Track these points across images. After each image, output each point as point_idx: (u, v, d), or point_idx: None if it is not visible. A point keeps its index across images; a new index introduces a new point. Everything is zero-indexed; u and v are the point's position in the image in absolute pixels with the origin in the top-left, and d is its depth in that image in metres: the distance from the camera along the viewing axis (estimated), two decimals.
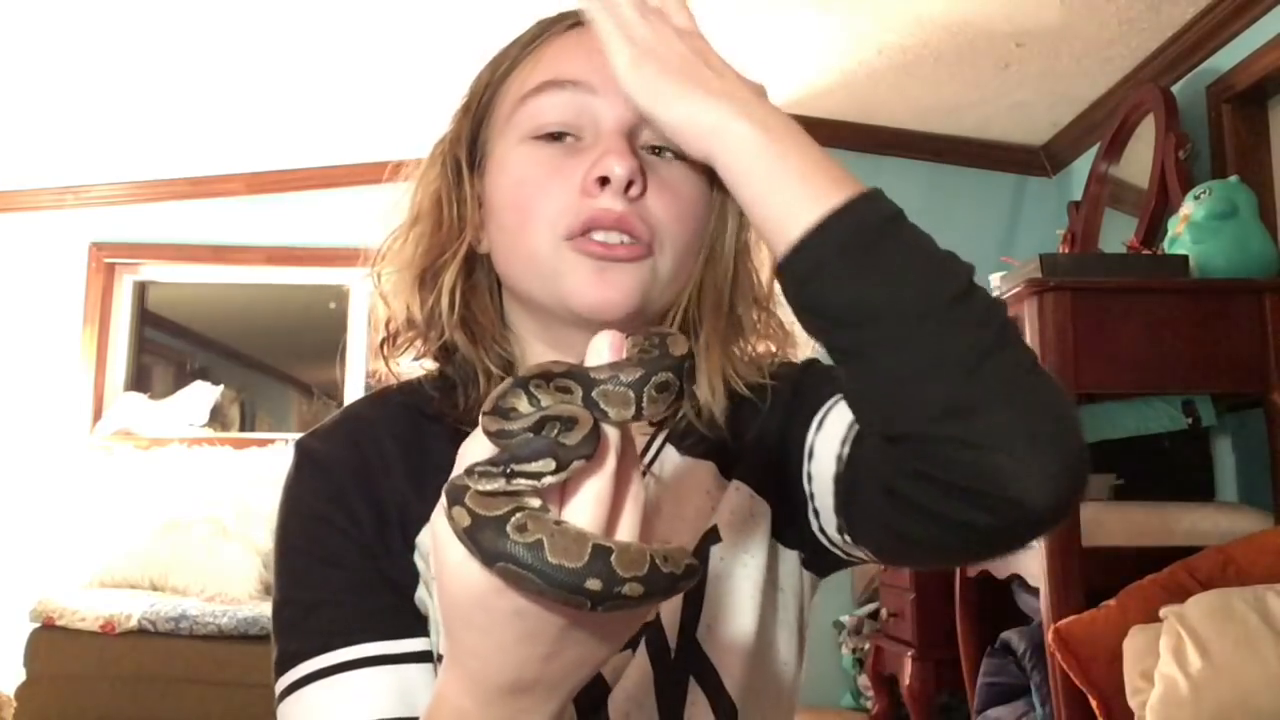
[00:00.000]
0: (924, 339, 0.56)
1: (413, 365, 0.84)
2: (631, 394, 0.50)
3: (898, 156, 3.65)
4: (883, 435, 0.60)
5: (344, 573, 0.72)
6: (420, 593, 0.73)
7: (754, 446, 0.80)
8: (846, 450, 0.69)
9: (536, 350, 0.81)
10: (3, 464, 3.74)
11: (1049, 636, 2.02)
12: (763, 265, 0.83)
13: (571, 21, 0.78)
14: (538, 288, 0.76)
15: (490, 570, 0.47)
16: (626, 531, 0.50)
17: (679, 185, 0.75)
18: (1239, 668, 1.73)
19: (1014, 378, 0.56)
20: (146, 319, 4.24)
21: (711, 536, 0.78)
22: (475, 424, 0.72)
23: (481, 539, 0.47)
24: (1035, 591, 2.25)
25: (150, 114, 3.48)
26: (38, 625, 2.93)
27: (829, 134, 3.59)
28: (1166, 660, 1.78)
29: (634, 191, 0.72)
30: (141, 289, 4.18)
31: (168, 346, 4.49)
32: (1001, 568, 2.49)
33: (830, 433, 0.72)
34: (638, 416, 0.50)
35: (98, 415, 3.88)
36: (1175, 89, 2.87)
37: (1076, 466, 0.55)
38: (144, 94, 3.33)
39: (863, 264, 0.57)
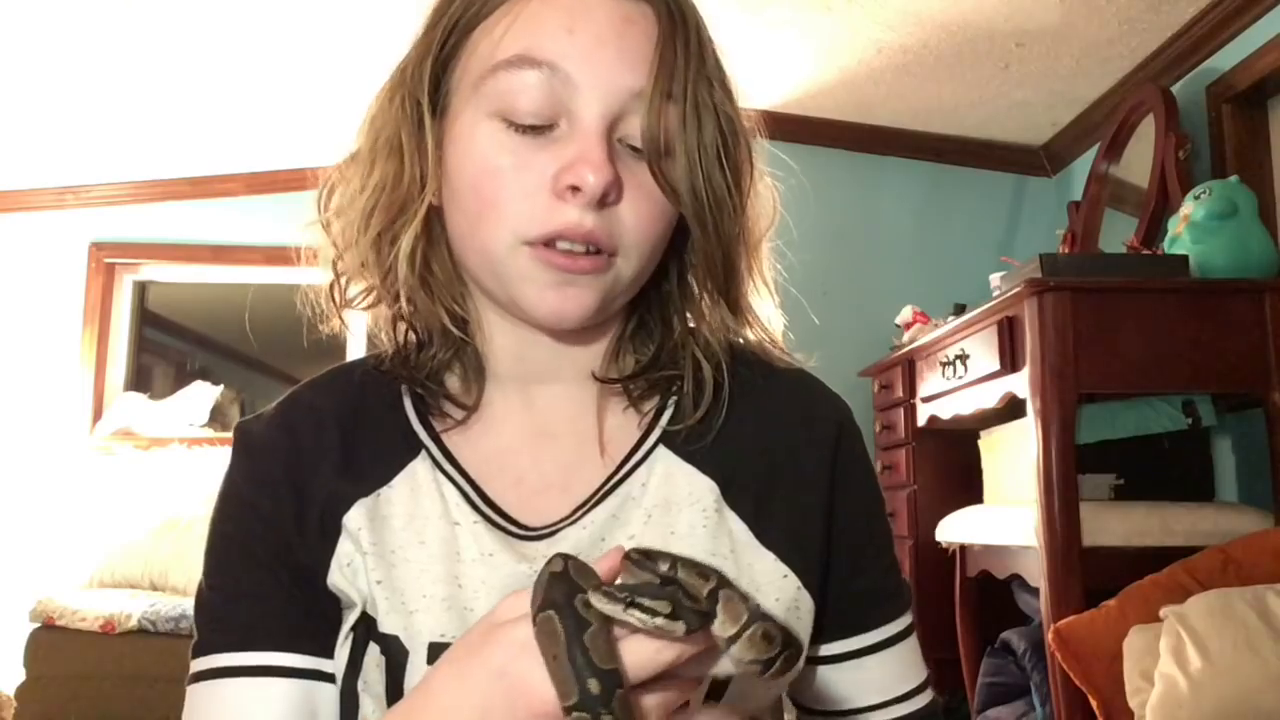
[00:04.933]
0: None
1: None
2: (746, 617, 0.52)
3: (898, 156, 3.65)
4: None
5: (267, 569, 0.70)
6: (335, 577, 0.70)
7: (778, 504, 0.75)
8: None
9: (492, 318, 0.76)
10: (3, 464, 3.74)
11: (1049, 636, 2.02)
12: (758, 217, 0.78)
13: None
14: (490, 281, 0.72)
15: (532, 612, 0.51)
16: (651, 712, 0.51)
17: (653, 187, 0.70)
18: (1239, 668, 1.73)
19: None
20: (146, 319, 4.24)
21: None
22: (430, 385, 0.76)
23: (554, 588, 0.51)
24: (1035, 591, 2.25)
25: (150, 114, 3.48)
26: (38, 625, 2.93)
27: (829, 134, 3.59)
28: (1166, 660, 1.78)
29: (608, 201, 0.68)
30: (141, 289, 4.18)
31: (168, 346, 4.49)
32: (1001, 568, 2.49)
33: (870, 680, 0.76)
34: (728, 640, 0.52)
35: (98, 415, 3.88)
36: (1175, 89, 2.87)
37: None
38: (144, 94, 3.33)
39: None
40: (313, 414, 0.75)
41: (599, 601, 0.50)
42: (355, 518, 0.71)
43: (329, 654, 0.70)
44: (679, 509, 0.73)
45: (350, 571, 0.69)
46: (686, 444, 0.75)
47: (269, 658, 0.69)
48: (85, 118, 3.49)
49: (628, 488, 0.74)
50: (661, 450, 0.75)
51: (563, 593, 0.51)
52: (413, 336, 0.77)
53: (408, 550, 0.70)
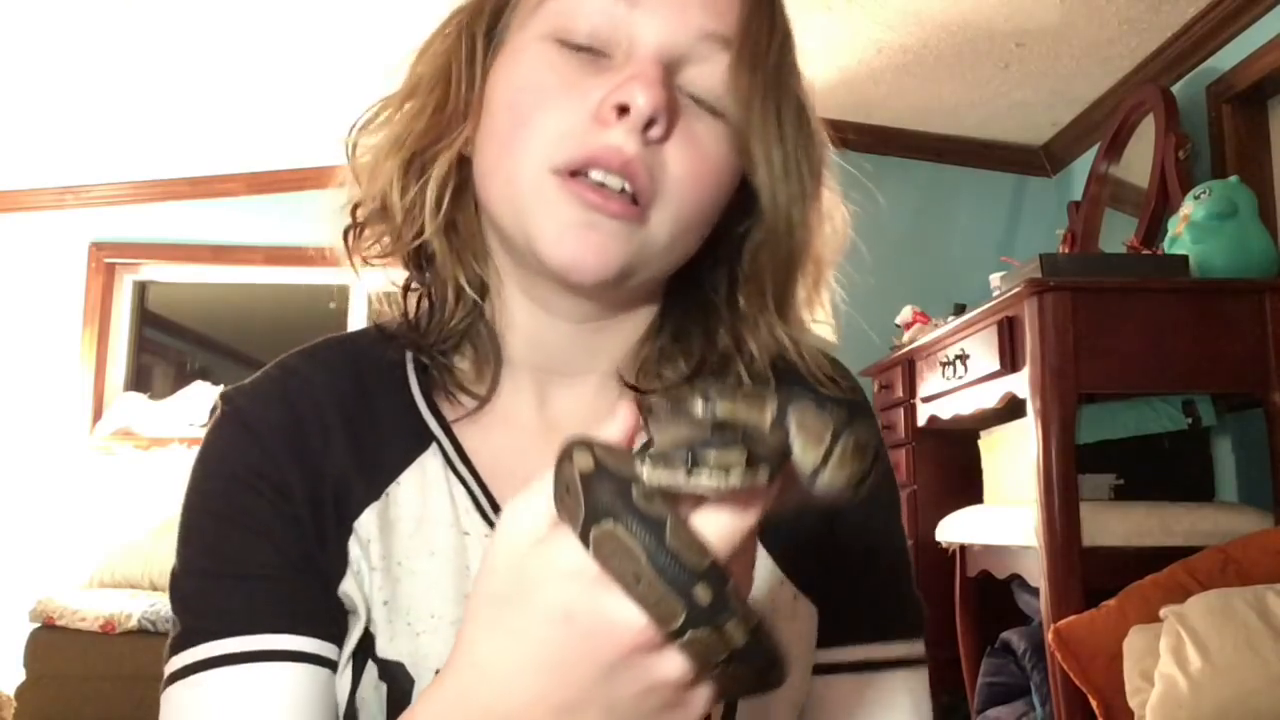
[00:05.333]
0: None
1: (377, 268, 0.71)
2: (831, 431, 0.41)
3: (898, 156, 3.65)
4: None
5: (273, 547, 0.61)
6: (348, 584, 0.62)
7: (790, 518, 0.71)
8: None
9: (511, 292, 0.68)
10: (3, 464, 3.74)
11: (1049, 636, 2.02)
12: (826, 241, 0.72)
13: None
14: (509, 219, 0.64)
15: (586, 534, 0.39)
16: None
17: (708, 143, 0.63)
18: (1239, 668, 1.73)
19: None
20: (146, 319, 4.23)
21: None
22: (440, 359, 0.67)
23: (598, 489, 0.39)
24: (1035, 591, 2.25)
25: (150, 114, 3.48)
26: (38, 625, 2.93)
27: (829, 134, 3.59)
28: (1166, 660, 1.78)
29: (655, 132, 0.60)
30: (141, 289, 4.18)
31: (168, 346, 4.49)
32: (1001, 568, 2.49)
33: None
34: (817, 467, 0.42)
35: (98, 415, 3.88)
36: (1175, 89, 2.87)
37: None
38: (144, 94, 3.33)
39: None
40: (310, 387, 0.67)
41: (653, 472, 0.38)
42: (367, 525, 0.63)
43: (342, 642, 0.61)
44: None
45: (358, 580, 0.62)
46: None
47: (280, 641, 0.59)
48: (85, 118, 3.49)
49: None
50: None
51: (614, 492, 0.39)
52: (425, 305, 0.69)
53: (415, 560, 0.63)
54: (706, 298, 0.71)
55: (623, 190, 0.60)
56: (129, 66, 3.15)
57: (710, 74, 0.63)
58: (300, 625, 0.59)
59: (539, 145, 0.61)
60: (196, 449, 0.66)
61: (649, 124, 0.59)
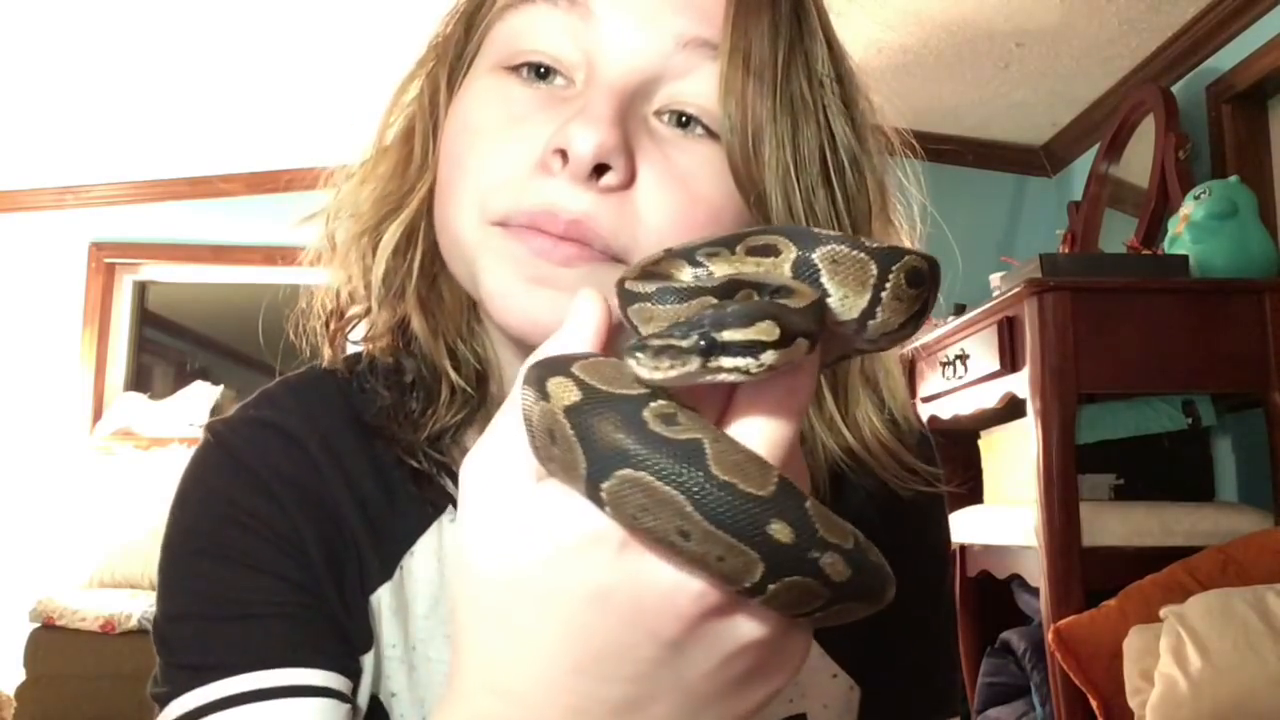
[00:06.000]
0: None
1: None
2: (875, 270, 0.32)
3: (898, 156, 3.64)
4: None
5: (277, 581, 0.54)
6: (383, 685, 0.54)
7: None
8: None
9: (506, 359, 0.60)
10: (3, 464, 3.74)
11: (1049, 636, 2.02)
12: None
13: None
14: (465, 279, 0.56)
15: (596, 490, 0.29)
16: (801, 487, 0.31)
17: (699, 178, 0.52)
18: (1239, 668, 1.73)
19: None
20: (146, 319, 4.23)
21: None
22: (432, 453, 0.55)
23: (598, 428, 0.28)
24: (1035, 591, 2.25)
25: (150, 114, 3.48)
26: (38, 625, 2.93)
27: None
28: (1166, 660, 1.78)
29: (610, 179, 0.49)
30: (141, 289, 4.18)
31: (168, 346, 4.49)
32: (1001, 568, 2.49)
33: None
34: (867, 314, 0.32)
35: (98, 415, 3.88)
36: (1175, 89, 2.87)
37: None
38: (144, 94, 3.33)
39: None
40: (310, 425, 0.59)
41: (658, 370, 0.28)
42: (381, 605, 0.56)
43: (359, 680, 0.55)
44: None
45: (369, 658, 0.55)
46: None
47: (301, 675, 0.52)
48: (85, 118, 3.49)
49: None
50: None
51: (620, 424, 0.28)
52: (419, 393, 0.59)
53: (430, 646, 0.56)
54: None
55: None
56: (129, 66, 3.15)
57: (696, 87, 0.52)
58: (315, 658, 0.53)
59: (473, 192, 0.53)
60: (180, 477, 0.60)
61: (599, 170, 0.49)
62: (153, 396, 3.98)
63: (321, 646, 0.53)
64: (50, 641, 2.90)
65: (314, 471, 0.57)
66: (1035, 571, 2.20)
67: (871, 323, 0.33)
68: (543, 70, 0.53)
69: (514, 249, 0.51)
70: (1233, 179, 2.47)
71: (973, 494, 2.76)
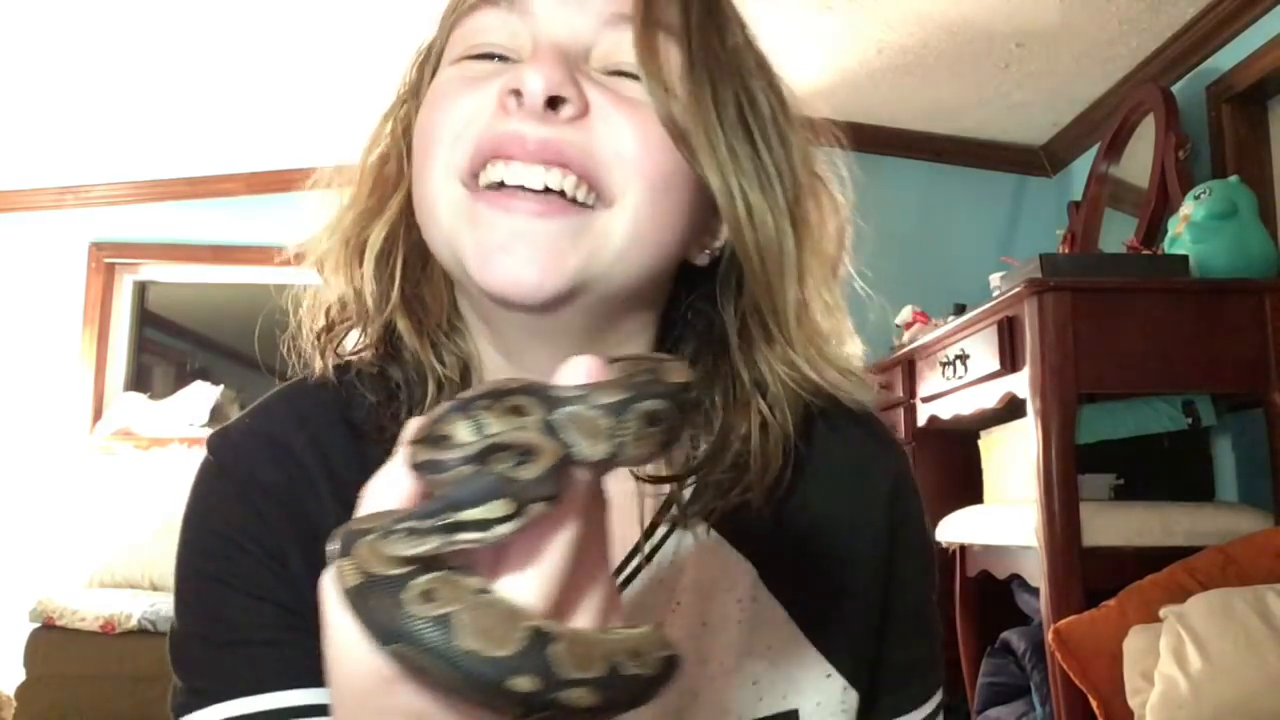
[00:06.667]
0: None
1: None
2: (607, 422, 0.36)
3: (898, 156, 3.65)
4: None
5: (273, 608, 0.56)
6: None
7: (824, 585, 0.62)
8: None
9: (487, 354, 0.62)
10: (3, 464, 3.74)
11: (1049, 636, 2.02)
12: (830, 239, 0.65)
13: None
14: (445, 253, 0.58)
15: (383, 652, 0.35)
16: (589, 615, 0.37)
17: (642, 103, 0.56)
18: (1239, 668, 1.73)
19: None
20: (146, 319, 4.23)
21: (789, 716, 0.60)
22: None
23: (373, 608, 0.34)
24: (1035, 591, 2.25)
25: (150, 114, 3.48)
26: (38, 625, 2.93)
27: (829, 134, 3.59)
28: (1166, 660, 1.78)
29: (566, 111, 0.54)
30: (141, 289, 4.18)
31: (168, 346, 4.49)
32: (1001, 568, 2.49)
33: None
34: (614, 457, 0.37)
35: (98, 415, 3.88)
36: (1175, 89, 2.87)
37: None
38: (144, 94, 3.33)
39: None
40: (300, 426, 0.61)
41: (398, 547, 0.34)
42: None
43: None
44: (712, 594, 0.60)
45: None
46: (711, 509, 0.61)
47: (290, 697, 0.54)
48: (85, 118, 3.49)
49: (656, 566, 0.60)
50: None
51: (387, 608, 0.34)
52: (399, 380, 0.62)
53: None
54: (712, 331, 0.63)
55: (547, 190, 0.53)
56: (129, 66, 3.15)
57: (623, 47, 0.57)
58: (307, 678, 0.54)
59: (443, 152, 0.56)
60: (195, 449, 0.63)
61: (554, 102, 0.54)
62: (153, 396, 3.98)
63: (314, 666, 0.54)
64: (50, 641, 2.90)
65: (302, 478, 0.59)
66: (1035, 571, 2.20)
67: (619, 459, 0.37)
68: (493, 57, 0.59)
69: (490, 214, 0.54)
70: (1233, 179, 2.47)
71: (973, 494, 2.76)
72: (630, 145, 0.55)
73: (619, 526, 0.56)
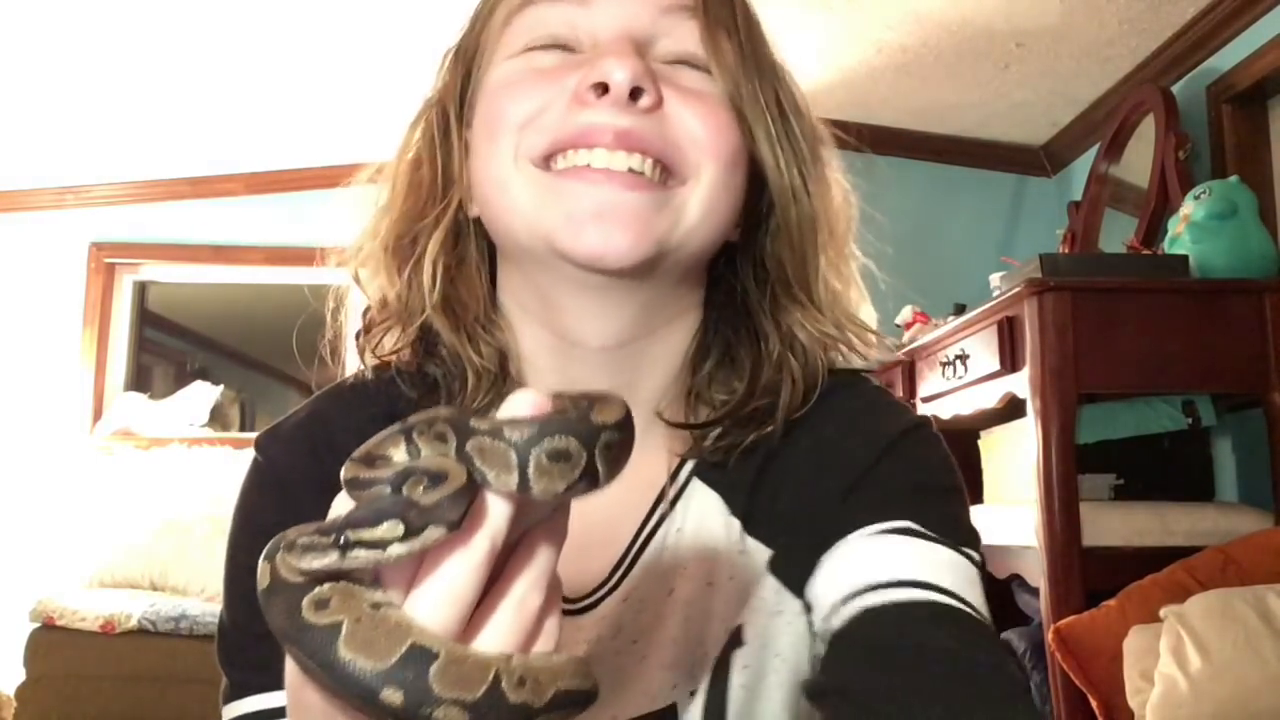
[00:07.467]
0: None
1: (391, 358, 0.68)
2: (514, 456, 0.37)
3: (897, 156, 3.65)
4: None
5: None
6: None
7: (792, 518, 0.62)
8: (836, 624, 0.55)
9: (528, 342, 0.65)
10: (3, 464, 3.74)
11: (1049, 636, 2.02)
12: (839, 211, 0.69)
13: None
14: (524, 233, 0.60)
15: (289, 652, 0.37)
16: (495, 638, 0.38)
17: (706, 92, 0.62)
18: (1239, 668, 1.73)
19: None
20: (146, 319, 4.23)
21: (733, 640, 0.62)
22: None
23: (275, 610, 0.37)
24: (1035, 591, 2.25)
25: (150, 114, 3.48)
26: (38, 625, 2.92)
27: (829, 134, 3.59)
28: (1166, 660, 1.78)
29: (645, 101, 0.58)
30: (141, 289, 4.18)
31: (168, 346, 4.49)
32: (1001, 567, 2.49)
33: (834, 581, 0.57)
34: (521, 487, 0.38)
35: (98, 415, 3.88)
36: (1175, 89, 2.87)
37: None
38: (144, 94, 3.33)
39: None
40: (339, 436, 0.63)
41: (301, 559, 0.36)
42: None
43: None
44: (715, 556, 0.62)
45: None
46: (716, 469, 0.64)
47: None
48: (85, 118, 3.49)
49: (664, 533, 0.63)
50: (695, 485, 0.64)
51: (284, 612, 0.37)
52: (437, 375, 0.65)
53: None
54: (743, 301, 0.66)
55: (630, 169, 0.57)
56: (129, 66, 3.15)
57: (684, 38, 0.62)
58: None
59: (514, 137, 0.59)
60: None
61: (635, 94, 0.57)
62: (153, 396, 3.98)
63: None
64: (50, 641, 2.90)
65: (330, 479, 0.59)
66: (1035, 571, 2.20)
67: (530, 491, 0.38)
68: (555, 48, 0.62)
69: (578, 188, 0.57)
70: (1233, 179, 2.47)
71: (973, 494, 2.76)
72: (701, 130, 0.60)
73: (647, 470, 0.63)
